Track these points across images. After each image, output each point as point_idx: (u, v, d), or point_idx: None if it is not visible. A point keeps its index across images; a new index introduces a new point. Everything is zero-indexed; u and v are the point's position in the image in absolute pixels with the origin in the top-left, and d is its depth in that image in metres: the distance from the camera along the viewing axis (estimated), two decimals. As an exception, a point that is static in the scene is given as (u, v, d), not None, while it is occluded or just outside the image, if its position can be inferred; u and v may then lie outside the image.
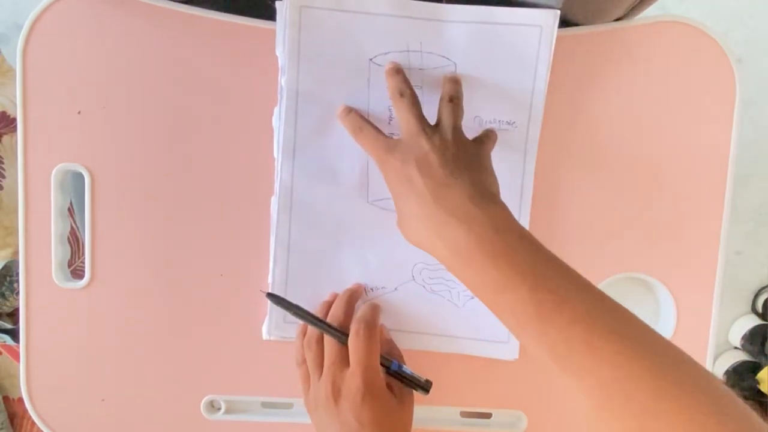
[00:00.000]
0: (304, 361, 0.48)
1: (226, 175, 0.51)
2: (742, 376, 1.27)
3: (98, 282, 0.52)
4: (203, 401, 0.53)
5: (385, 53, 0.48)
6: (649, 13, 0.50)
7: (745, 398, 0.32)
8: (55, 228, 0.50)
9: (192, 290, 0.52)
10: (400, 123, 0.45)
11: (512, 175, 0.50)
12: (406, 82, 0.46)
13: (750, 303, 1.32)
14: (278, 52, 0.48)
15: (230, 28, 0.49)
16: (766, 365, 1.25)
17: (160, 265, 0.52)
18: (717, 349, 0.79)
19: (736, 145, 0.52)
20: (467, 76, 0.48)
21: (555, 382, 0.36)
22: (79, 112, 0.50)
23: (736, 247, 1.31)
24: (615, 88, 0.51)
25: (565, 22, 0.50)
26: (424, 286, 0.52)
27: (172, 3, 0.49)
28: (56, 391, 0.53)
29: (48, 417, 0.53)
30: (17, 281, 0.56)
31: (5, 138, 0.84)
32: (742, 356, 1.30)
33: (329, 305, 0.49)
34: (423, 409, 0.54)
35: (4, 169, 0.84)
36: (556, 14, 0.47)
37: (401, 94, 0.45)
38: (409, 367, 0.48)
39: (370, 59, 0.48)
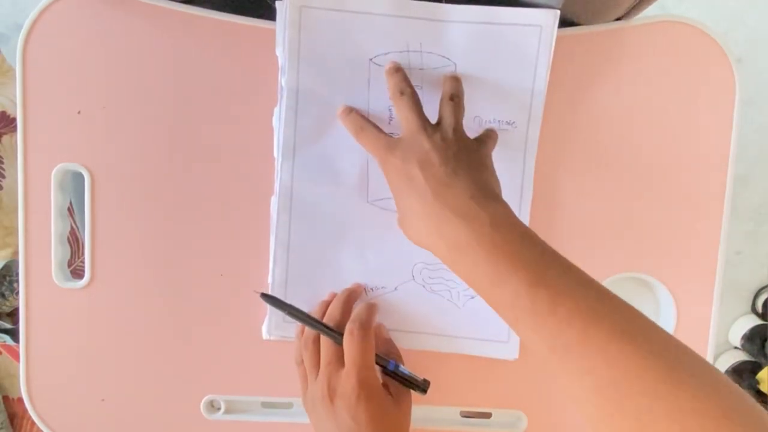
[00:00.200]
0: (302, 360, 0.48)
1: (226, 175, 0.51)
2: (742, 376, 1.27)
3: (98, 282, 0.52)
4: (203, 401, 0.53)
5: (385, 53, 0.48)
6: (649, 13, 0.50)
7: (745, 398, 0.31)
8: (55, 228, 0.51)
9: (192, 290, 0.52)
10: (401, 122, 0.45)
11: (512, 175, 0.50)
12: (407, 80, 0.46)
13: (750, 303, 1.32)
14: (278, 52, 0.48)
15: (230, 28, 0.49)
16: (766, 365, 1.25)
17: (160, 265, 0.52)
18: (717, 349, 0.79)
19: (736, 145, 0.52)
20: (467, 76, 0.48)
21: (555, 382, 0.35)
22: (79, 112, 0.50)
23: (736, 247, 1.31)
24: (615, 87, 0.51)
25: (565, 22, 0.50)
26: (424, 286, 0.52)
27: (172, 3, 0.49)
28: (56, 391, 0.53)
29: (48, 417, 0.53)
30: (17, 281, 0.56)
31: (5, 138, 0.84)
32: (742, 356, 1.30)
33: (328, 305, 0.49)
34: (423, 409, 0.54)
35: (4, 169, 0.84)
36: (556, 14, 0.47)
37: (401, 93, 0.45)
38: (407, 367, 0.48)
39: (370, 59, 0.48)
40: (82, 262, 0.54)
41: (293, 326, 0.51)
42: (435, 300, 0.52)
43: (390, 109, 0.49)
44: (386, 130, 0.47)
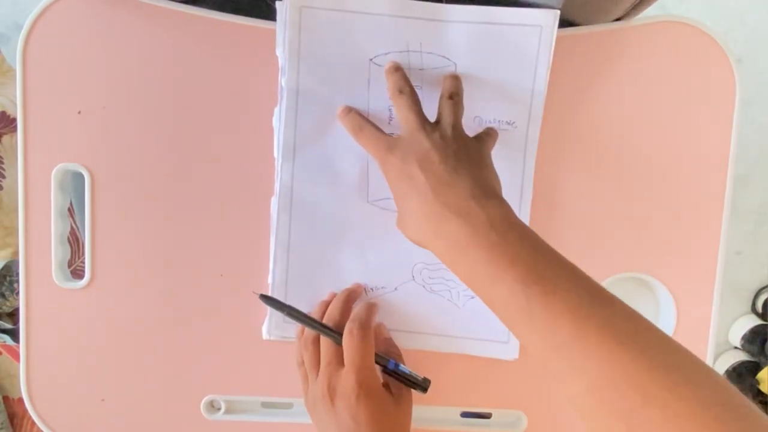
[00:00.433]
0: (303, 361, 0.48)
1: (226, 175, 0.51)
2: (742, 376, 1.27)
3: (98, 282, 0.52)
4: (203, 401, 0.53)
5: (385, 53, 0.48)
6: (649, 13, 0.50)
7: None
8: (55, 228, 0.51)
9: (192, 290, 0.52)
10: (400, 121, 0.45)
11: (512, 175, 0.50)
12: (406, 79, 0.46)
13: (750, 303, 1.32)
14: (278, 52, 0.48)
15: (230, 28, 0.49)
16: (766, 365, 1.25)
17: (160, 265, 0.52)
18: (717, 349, 0.79)
19: (736, 145, 0.52)
20: (467, 76, 0.48)
21: (554, 382, 0.35)
22: (79, 112, 0.50)
23: (736, 247, 1.31)
24: (615, 88, 0.51)
25: (565, 22, 0.50)
26: (424, 286, 0.52)
27: (172, 3, 0.49)
28: (56, 391, 0.53)
29: (48, 417, 0.53)
30: (17, 281, 0.56)
31: (5, 138, 0.84)
32: (742, 356, 1.30)
33: (328, 305, 0.49)
34: (423, 409, 0.54)
35: (4, 169, 0.84)
36: (556, 14, 0.47)
37: (401, 92, 0.45)
38: (407, 366, 0.48)
39: (370, 59, 0.48)
40: (82, 262, 0.54)
41: (293, 326, 0.51)
42: (435, 300, 0.52)
43: (390, 109, 0.49)
44: (386, 130, 0.47)
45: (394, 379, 0.47)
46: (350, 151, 0.49)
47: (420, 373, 0.48)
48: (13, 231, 0.84)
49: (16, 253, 0.83)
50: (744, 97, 0.52)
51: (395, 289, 0.52)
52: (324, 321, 0.48)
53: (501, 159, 0.46)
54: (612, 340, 0.32)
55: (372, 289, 0.52)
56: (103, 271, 0.52)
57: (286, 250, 0.51)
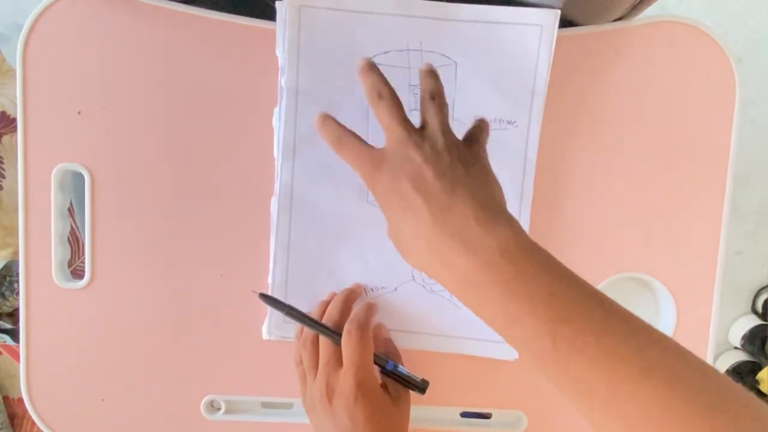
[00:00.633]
0: (301, 361, 0.48)
1: (226, 175, 0.51)
2: (742, 376, 1.27)
3: (98, 282, 0.52)
4: (203, 401, 0.53)
5: (385, 52, 0.48)
6: (649, 13, 0.50)
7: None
8: (55, 228, 0.51)
9: (192, 290, 0.52)
10: (383, 129, 0.40)
11: (512, 175, 0.50)
12: (384, 81, 0.41)
13: (750, 303, 1.32)
14: (278, 52, 0.48)
15: (230, 28, 0.49)
16: (766, 365, 1.25)
17: (160, 265, 0.52)
18: (717, 349, 0.79)
19: (736, 145, 0.52)
20: (467, 75, 0.48)
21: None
22: (79, 112, 0.50)
23: (736, 247, 1.31)
24: (615, 88, 0.51)
25: (565, 22, 0.50)
26: (423, 286, 0.52)
27: (172, 3, 0.49)
28: (56, 391, 0.53)
29: (48, 417, 0.53)
30: (17, 281, 0.56)
31: (5, 138, 0.84)
32: (742, 356, 1.30)
33: (327, 305, 0.49)
34: (423, 409, 0.54)
35: (4, 169, 0.84)
36: (556, 14, 0.47)
37: (380, 96, 0.40)
38: (405, 367, 0.48)
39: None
40: (82, 262, 0.54)
41: (293, 326, 0.51)
42: (435, 300, 0.52)
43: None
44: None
45: (393, 380, 0.47)
46: (350, 151, 0.49)
47: (420, 373, 0.48)
48: (13, 231, 0.84)
49: (16, 253, 0.83)
50: (744, 97, 0.52)
51: (395, 289, 0.52)
52: (323, 321, 0.48)
53: (501, 159, 0.46)
54: (650, 379, 0.30)
55: (372, 289, 0.52)
56: (103, 271, 0.52)
57: (286, 250, 0.51)
